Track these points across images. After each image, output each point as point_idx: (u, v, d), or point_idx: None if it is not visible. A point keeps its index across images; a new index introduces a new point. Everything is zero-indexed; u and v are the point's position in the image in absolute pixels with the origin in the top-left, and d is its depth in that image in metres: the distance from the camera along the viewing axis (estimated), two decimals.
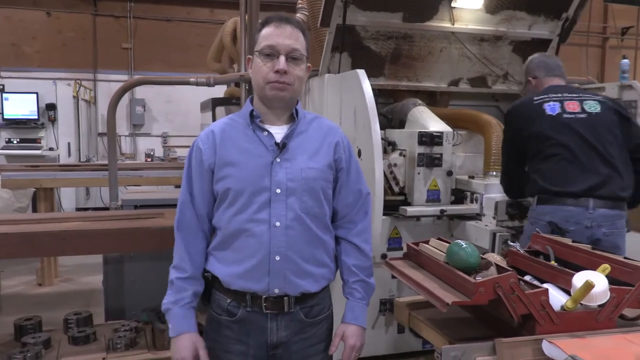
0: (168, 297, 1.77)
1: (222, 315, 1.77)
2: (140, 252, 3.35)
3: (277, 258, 1.69)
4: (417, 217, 3.39)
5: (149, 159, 8.95)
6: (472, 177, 3.54)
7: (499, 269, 1.55)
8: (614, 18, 7.24)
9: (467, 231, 3.34)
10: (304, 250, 1.72)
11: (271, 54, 1.69)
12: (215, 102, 5.90)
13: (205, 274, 1.81)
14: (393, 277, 3.18)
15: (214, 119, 6.06)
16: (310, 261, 1.73)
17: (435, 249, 1.74)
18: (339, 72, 3.72)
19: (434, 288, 1.56)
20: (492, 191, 3.27)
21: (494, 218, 3.21)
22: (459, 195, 3.53)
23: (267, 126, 1.76)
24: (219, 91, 6.45)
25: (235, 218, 1.71)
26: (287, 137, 1.74)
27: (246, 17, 3.83)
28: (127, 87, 3.65)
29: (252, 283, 1.71)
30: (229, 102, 5.80)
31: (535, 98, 2.77)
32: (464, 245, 1.57)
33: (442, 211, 3.32)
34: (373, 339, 3.34)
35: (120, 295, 3.57)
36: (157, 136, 10.02)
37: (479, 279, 1.46)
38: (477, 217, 3.37)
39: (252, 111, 1.77)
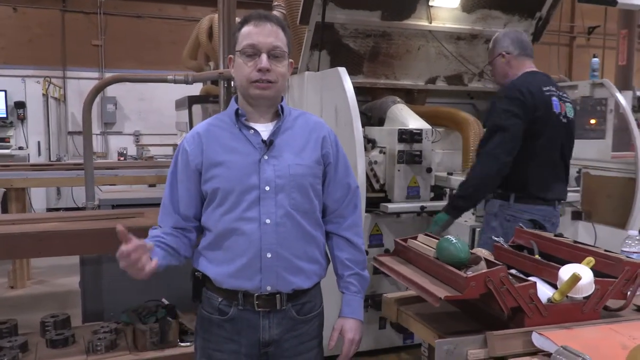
0: None
1: (214, 314, 1.77)
2: None
3: (269, 255, 1.69)
4: (398, 214, 3.42)
5: (122, 158, 8.81)
6: (451, 174, 3.59)
7: (489, 263, 1.58)
8: (582, 18, 7.42)
9: None
10: (295, 246, 1.72)
11: (253, 53, 1.68)
12: (192, 100, 5.83)
13: (196, 274, 1.81)
14: (375, 272, 3.24)
15: (190, 118, 5.98)
16: (302, 257, 1.74)
17: (424, 244, 1.77)
18: (318, 70, 3.73)
19: (425, 283, 1.58)
20: None
21: (472, 214, 3.26)
22: (437, 191, 3.58)
23: (252, 124, 1.76)
24: (195, 89, 6.37)
25: (224, 217, 1.71)
26: (274, 134, 1.74)
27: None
28: (104, 85, 3.59)
29: (244, 281, 1.70)
30: (206, 100, 5.73)
31: (545, 88, 2.69)
32: (454, 241, 1.59)
33: (422, 207, 3.36)
34: None
35: (98, 297, 3.51)
36: (130, 135, 9.87)
37: (469, 273, 1.49)
38: None
39: (237, 110, 1.76)
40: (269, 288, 1.70)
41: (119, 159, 8.64)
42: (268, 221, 1.68)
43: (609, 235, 3.69)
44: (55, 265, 5.40)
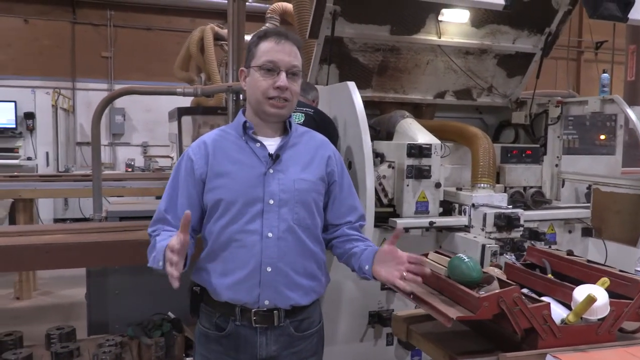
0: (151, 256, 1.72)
1: (211, 329, 1.77)
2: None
3: (269, 269, 1.69)
4: (406, 229, 3.38)
5: (129, 169, 8.84)
6: (460, 189, 3.56)
7: (501, 283, 1.56)
8: (590, 33, 7.40)
9: (455, 243, 3.34)
10: (296, 261, 1.73)
11: (272, 69, 1.70)
12: (181, 112, 5.85)
13: (194, 288, 1.80)
14: (382, 289, 3.20)
15: (179, 129, 6.00)
16: (300, 273, 1.74)
17: (435, 262, 1.74)
18: (327, 84, 3.73)
19: (436, 302, 1.55)
20: (480, 203, 3.30)
21: (482, 230, 3.23)
22: (446, 207, 3.54)
23: (259, 138, 1.77)
24: (187, 101, 6.31)
25: (226, 229, 1.71)
26: (281, 148, 1.76)
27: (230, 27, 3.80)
28: (113, 97, 3.60)
29: (242, 294, 1.70)
30: (195, 111, 5.76)
31: None
32: (466, 260, 1.57)
33: (431, 223, 3.31)
34: (362, 352, 3.32)
35: (104, 309, 3.50)
36: (137, 146, 9.91)
37: (482, 293, 1.46)
38: (465, 228, 3.38)
39: (245, 122, 1.77)
40: (266, 302, 1.70)
41: (126, 170, 8.67)
42: (270, 235, 1.69)
43: (619, 252, 3.64)
44: (60, 276, 5.39)
